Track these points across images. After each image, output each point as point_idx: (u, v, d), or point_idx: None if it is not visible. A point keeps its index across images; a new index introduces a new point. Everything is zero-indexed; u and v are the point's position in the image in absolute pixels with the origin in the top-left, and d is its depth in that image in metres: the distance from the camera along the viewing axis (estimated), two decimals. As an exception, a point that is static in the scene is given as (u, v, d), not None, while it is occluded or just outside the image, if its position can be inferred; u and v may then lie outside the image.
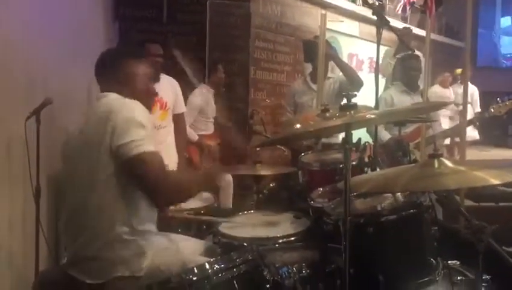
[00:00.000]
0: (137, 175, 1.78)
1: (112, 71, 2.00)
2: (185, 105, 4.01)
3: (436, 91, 7.33)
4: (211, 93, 4.67)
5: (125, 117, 1.79)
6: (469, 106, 7.13)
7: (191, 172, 1.96)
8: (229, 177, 4.32)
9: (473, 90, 7.48)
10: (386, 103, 4.07)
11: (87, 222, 1.84)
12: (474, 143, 7.56)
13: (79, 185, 1.89)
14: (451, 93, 7.60)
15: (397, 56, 4.94)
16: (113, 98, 1.92)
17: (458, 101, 7.01)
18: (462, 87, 7.48)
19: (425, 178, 1.57)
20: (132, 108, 1.84)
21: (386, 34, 2.83)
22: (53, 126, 3.10)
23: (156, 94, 2.12)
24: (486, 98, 6.70)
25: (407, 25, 7.33)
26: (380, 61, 5.30)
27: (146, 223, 1.92)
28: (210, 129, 4.64)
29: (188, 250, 1.99)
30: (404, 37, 4.26)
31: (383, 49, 5.78)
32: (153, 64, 3.55)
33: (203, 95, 4.60)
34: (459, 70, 7.46)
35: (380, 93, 3.51)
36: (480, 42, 11.74)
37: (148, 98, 2.07)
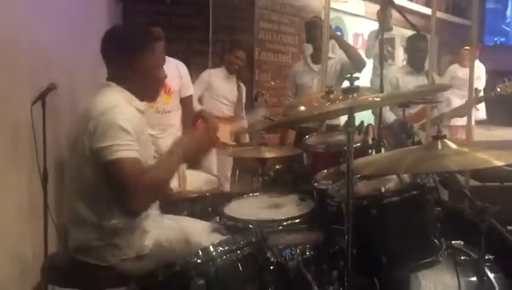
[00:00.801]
0: (112, 180, 1.76)
1: (120, 53, 1.91)
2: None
3: (455, 70, 7.22)
4: (229, 76, 4.49)
5: (109, 119, 1.76)
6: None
7: (168, 153, 1.87)
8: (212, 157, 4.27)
9: (480, 67, 7.41)
10: (391, 84, 4.04)
11: (85, 213, 1.85)
12: (480, 122, 7.51)
13: (75, 175, 1.90)
14: (481, 71, 7.47)
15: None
16: (107, 96, 1.87)
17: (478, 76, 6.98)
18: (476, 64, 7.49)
19: (429, 160, 1.58)
20: (119, 110, 1.80)
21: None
22: (59, 110, 3.12)
23: (165, 78, 2.06)
24: (495, 77, 6.65)
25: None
26: (366, 41, 5.31)
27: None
28: (223, 111, 4.48)
29: (191, 228, 2.01)
30: (385, 9, 4.20)
31: (363, 21, 5.77)
32: None
33: (216, 74, 4.48)
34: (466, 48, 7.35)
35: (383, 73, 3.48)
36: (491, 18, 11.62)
37: (158, 85, 2.04)
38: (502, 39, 12.28)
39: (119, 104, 1.82)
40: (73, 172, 1.90)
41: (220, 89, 4.42)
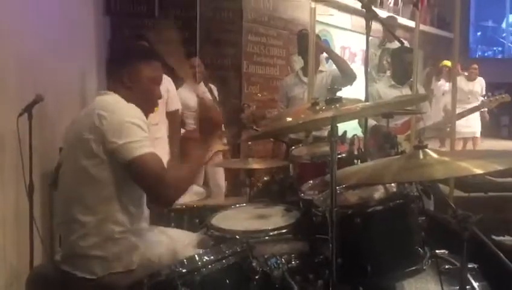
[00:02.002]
0: (141, 176, 1.79)
1: (120, 70, 1.97)
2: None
3: (461, 84, 7.33)
4: (190, 87, 4.49)
5: (121, 118, 1.80)
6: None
7: (182, 167, 1.92)
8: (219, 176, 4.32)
9: (482, 82, 7.59)
10: (372, 97, 4.07)
11: (79, 219, 1.84)
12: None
13: (71, 181, 1.90)
14: (478, 86, 7.62)
15: (383, 47, 4.90)
16: (110, 98, 1.92)
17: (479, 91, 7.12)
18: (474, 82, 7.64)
19: (411, 169, 1.60)
20: (127, 109, 1.85)
21: (377, 26, 2.86)
22: (46, 123, 3.12)
23: (160, 97, 2.11)
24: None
25: (392, 14, 7.30)
26: (363, 48, 5.28)
27: (138, 222, 1.93)
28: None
29: (180, 242, 2.01)
30: (390, 26, 4.25)
31: (349, 34, 5.73)
32: None
33: (185, 91, 4.47)
34: (446, 62, 7.48)
35: (369, 86, 3.52)
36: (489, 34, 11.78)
37: (153, 103, 2.08)
38: (499, 48, 12.43)
39: (127, 106, 1.88)
40: (72, 176, 1.89)
41: (191, 102, 4.39)
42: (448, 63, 7.44)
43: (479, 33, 12.50)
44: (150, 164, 1.76)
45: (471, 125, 7.13)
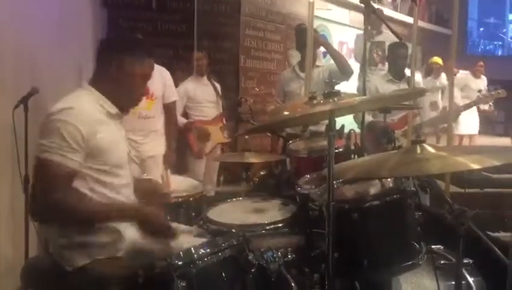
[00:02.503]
0: (33, 176, 1.80)
1: (110, 60, 1.93)
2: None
3: (469, 82, 7.35)
4: (201, 79, 4.66)
5: (52, 119, 1.78)
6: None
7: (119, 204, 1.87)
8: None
9: (484, 80, 7.61)
10: (370, 92, 4.08)
11: None
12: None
13: None
14: (483, 83, 7.64)
15: (372, 40, 4.83)
16: (75, 95, 1.90)
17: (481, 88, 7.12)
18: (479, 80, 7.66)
19: (408, 164, 1.60)
20: (68, 114, 1.79)
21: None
22: (41, 115, 3.10)
23: (143, 95, 2.08)
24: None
25: (379, 7, 7.26)
26: (354, 46, 5.23)
27: None
28: (209, 114, 4.64)
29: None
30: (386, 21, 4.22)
31: (356, 33, 5.67)
32: None
33: (190, 84, 4.60)
34: (436, 60, 7.46)
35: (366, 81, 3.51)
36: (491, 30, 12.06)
37: (136, 99, 2.04)
38: (500, 43, 12.92)
39: (72, 106, 1.82)
40: None
41: (198, 94, 4.56)
42: (438, 60, 7.43)
43: (481, 29, 13.23)
44: (41, 171, 1.74)
45: (469, 122, 7.15)
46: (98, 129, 1.84)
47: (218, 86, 4.75)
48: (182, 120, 4.46)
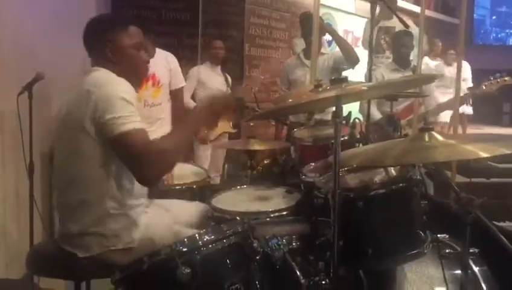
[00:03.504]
0: (123, 153, 1.75)
1: (97, 42, 1.93)
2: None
3: (441, 68, 7.30)
4: (215, 68, 4.70)
5: (109, 92, 1.75)
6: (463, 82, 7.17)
7: (179, 125, 1.92)
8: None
9: (465, 66, 7.52)
10: (376, 80, 4.06)
11: (75, 197, 1.83)
12: (468, 120, 7.63)
13: (65, 159, 1.88)
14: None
15: (378, 26, 4.72)
16: (99, 74, 1.87)
17: (464, 77, 7.05)
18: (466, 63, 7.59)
19: (415, 151, 1.58)
20: (116, 83, 1.80)
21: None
22: (46, 101, 3.10)
23: (147, 62, 2.05)
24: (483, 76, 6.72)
25: None
26: (362, 33, 5.13)
27: (136, 198, 1.91)
28: None
29: (182, 215, 2.02)
30: (394, 8, 4.15)
31: (361, 21, 5.57)
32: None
33: (204, 69, 4.63)
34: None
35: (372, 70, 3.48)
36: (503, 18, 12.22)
37: (140, 71, 2.02)
38: (511, 31, 13.04)
39: (116, 79, 1.83)
40: (65, 155, 1.87)
41: (210, 82, 4.59)
42: None
43: (494, 17, 13.31)
44: (132, 142, 1.72)
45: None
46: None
47: (229, 78, 4.80)
48: (192, 103, 4.47)
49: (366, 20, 5.43)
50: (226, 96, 1.98)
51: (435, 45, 7.83)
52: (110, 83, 1.80)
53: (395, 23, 4.73)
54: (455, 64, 7.50)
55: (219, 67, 4.73)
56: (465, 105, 7.59)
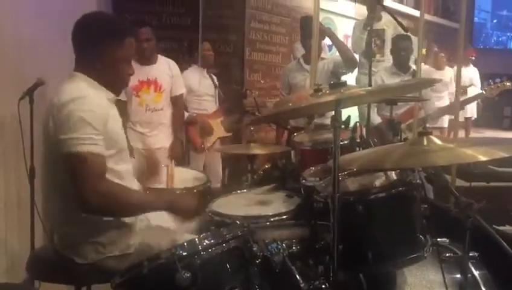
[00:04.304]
0: (70, 173, 1.70)
1: (88, 49, 1.85)
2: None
3: (430, 73, 7.29)
4: (202, 72, 4.56)
5: (71, 111, 1.70)
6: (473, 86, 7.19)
7: (155, 193, 1.86)
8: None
9: (474, 72, 7.53)
10: (375, 85, 4.06)
11: (66, 209, 1.82)
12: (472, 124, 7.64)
13: (47, 171, 1.87)
14: (448, 74, 7.57)
15: (369, 29, 4.67)
16: (71, 86, 1.81)
17: (464, 82, 7.02)
18: (468, 68, 7.59)
19: (415, 155, 1.59)
20: (81, 101, 1.73)
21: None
22: (47, 107, 3.10)
23: (131, 74, 1.98)
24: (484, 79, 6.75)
25: None
26: (351, 36, 5.09)
27: None
28: (208, 107, 4.53)
29: (180, 227, 2.01)
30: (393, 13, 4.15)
31: (352, 22, 5.58)
32: (144, 48, 3.54)
33: (191, 75, 4.49)
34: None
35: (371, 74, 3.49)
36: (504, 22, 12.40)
37: (122, 83, 1.99)
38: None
39: (82, 95, 1.77)
40: (47, 166, 1.86)
41: (199, 87, 4.45)
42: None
43: (495, 20, 13.46)
44: (80, 165, 1.66)
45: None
46: (108, 113, 1.82)
47: (215, 78, 4.64)
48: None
49: (355, 22, 5.40)
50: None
51: (429, 50, 7.81)
52: (74, 99, 1.73)
53: (383, 25, 4.71)
54: (447, 68, 7.54)
55: (205, 70, 4.56)
56: (474, 108, 7.62)
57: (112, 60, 1.87)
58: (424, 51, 7.07)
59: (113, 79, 1.91)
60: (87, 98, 1.76)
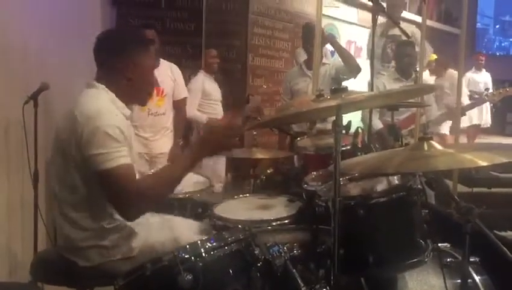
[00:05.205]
0: (106, 189, 1.75)
1: (118, 61, 1.88)
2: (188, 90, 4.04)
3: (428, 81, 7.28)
4: (210, 77, 4.68)
5: (95, 126, 1.73)
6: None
7: (176, 160, 1.84)
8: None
9: (487, 78, 7.50)
10: (377, 90, 4.07)
11: (70, 214, 1.85)
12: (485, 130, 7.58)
13: (57, 177, 1.90)
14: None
15: (386, 35, 4.72)
16: (92, 99, 1.83)
17: (480, 88, 6.99)
18: (481, 73, 7.55)
19: (415, 160, 1.60)
20: (103, 115, 1.76)
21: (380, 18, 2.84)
22: (51, 111, 3.13)
23: (156, 82, 2.04)
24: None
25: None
26: (366, 43, 5.14)
27: None
28: (219, 112, 4.65)
29: (182, 229, 2.02)
30: (395, 19, 4.16)
31: (364, 31, 5.59)
32: None
33: (203, 79, 4.62)
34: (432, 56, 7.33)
35: (375, 78, 3.51)
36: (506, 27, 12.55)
37: (150, 89, 2.01)
38: None
39: (105, 109, 1.79)
40: (61, 174, 1.87)
41: (212, 92, 4.57)
42: (433, 56, 7.32)
43: (497, 26, 13.66)
44: (114, 180, 1.71)
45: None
46: (127, 128, 1.84)
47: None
48: (202, 117, 4.45)
49: (370, 30, 5.43)
50: (225, 126, 1.86)
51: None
52: (98, 115, 1.75)
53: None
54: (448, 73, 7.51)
55: (213, 76, 4.70)
56: (488, 114, 7.54)
57: (141, 68, 1.90)
58: (433, 56, 7.06)
59: (142, 89, 1.94)
60: (110, 113, 1.79)
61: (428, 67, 7.35)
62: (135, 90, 1.91)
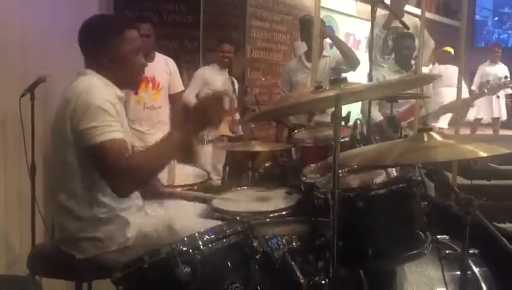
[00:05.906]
0: (97, 163, 1.73)
1: (94, 42, 1.89)
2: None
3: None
4: (219, 71, 4.59)
5: (86, 101, 1.73)
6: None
7: (163, 140, 1.82)
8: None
9: (499, 71, 7.46)
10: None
11: (65, 204, 1.84)
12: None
13: (52, 166, 1.90)
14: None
15: (388, 27, 4.69)
16: (83, 80, 1.84)
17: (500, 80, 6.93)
18: (494, 66, 7.47)
19: (415, 151, 1.59)
20: (95, 91, 1.77)
21: (381, 11, 2.82)
22: (48, 103, 3.11)
23: (144, 66, 2.01)
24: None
25: None
26: (367, 35, 5.10)
27: (126, 201, 1.89)
28: (226, 106, 4.59)
29: (180, 213, 2.02)
30: (395, 11, 4.14)
31: (354, 20, 5.54)
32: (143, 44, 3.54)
33: (209, 70, 4.55)
34: (448, 49, 7.33)
35: (375, 70, 3.50)
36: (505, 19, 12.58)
37: (137, 72, 2.00)
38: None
39: (97, 85, 1.80)
40: (55, 160, 1.88)
41: (216, 83, 4.49)
42: (450, 49, 7.30)
43: (496, 18, 13.50)
44: (106, 153, 1.69)
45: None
46: (117, 103, 1.84)
47: (236, 83, 4.68)
48: (191, 102, 4.41)
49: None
50: (218, 95, 1.87)
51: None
52: (89, 91, 1.76)
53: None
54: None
55: (227, 71, 4.60)
56: (503, 108, 7.49)
57: (117, 56, 1.89)
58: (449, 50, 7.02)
59: (125, 74, 1.93)
60: (100, 87, 1.80)
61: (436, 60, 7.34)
62: (121, 75, 1.91)
